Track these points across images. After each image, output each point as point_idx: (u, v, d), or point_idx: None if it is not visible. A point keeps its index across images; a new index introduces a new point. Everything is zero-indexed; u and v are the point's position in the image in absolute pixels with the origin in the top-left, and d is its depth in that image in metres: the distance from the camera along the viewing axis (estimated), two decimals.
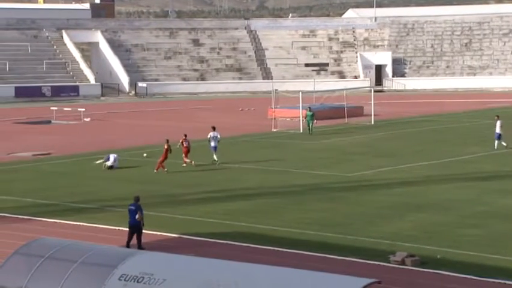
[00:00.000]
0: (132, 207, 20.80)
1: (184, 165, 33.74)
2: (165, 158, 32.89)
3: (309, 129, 45.48)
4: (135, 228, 20.59)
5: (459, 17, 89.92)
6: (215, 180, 30.90)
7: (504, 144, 38.30)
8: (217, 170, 33.30)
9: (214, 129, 35.56)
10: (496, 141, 38.52)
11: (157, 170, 32.75)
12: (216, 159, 34.68)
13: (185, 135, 34.49)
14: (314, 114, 46.25)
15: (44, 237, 16.71)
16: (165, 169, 32.66)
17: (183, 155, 33.95)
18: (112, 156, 34.01)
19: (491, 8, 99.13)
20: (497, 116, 39.91)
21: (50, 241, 15.41)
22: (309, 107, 47.66)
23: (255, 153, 38.48)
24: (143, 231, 20.86)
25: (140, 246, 20.19)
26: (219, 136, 35.24)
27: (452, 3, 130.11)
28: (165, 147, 33.07)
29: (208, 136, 35.33)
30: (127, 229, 22.20)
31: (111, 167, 33.65)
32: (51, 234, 20.89)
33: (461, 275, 18.38)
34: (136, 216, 20.49)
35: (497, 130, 38.68)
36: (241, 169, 33.45)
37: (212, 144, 35.02)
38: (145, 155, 36.93)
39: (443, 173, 31.92)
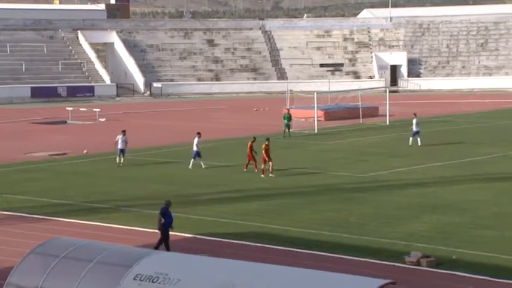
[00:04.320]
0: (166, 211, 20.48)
1: (263, 175, 31.39)
2: (252, 158, 32.13)
3: (284, 131, 44.16)
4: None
5: (475, 16, 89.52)
6: (230, 181, 30.93)
7: (419, 143, 39.31)
8: (232, 170, 33.30)
9: (124, 133, 34.94)
10: (411, 138, 39.73)
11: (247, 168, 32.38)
12: (121, 161, 34.39)
13: (267, 139, 32.32)
14: (291, 117, 45.05)
15: (60, 237, 16.79)
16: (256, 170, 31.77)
17: (264, 161, 31.54)
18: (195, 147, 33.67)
19: (507, 8, 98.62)
20: (415, 114, 40.84)
21: (66, 241, 15.48)
22: (288, 109, 47.27)
23: (270, 153, 38.42)
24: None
25: (157, 247, 20.15)
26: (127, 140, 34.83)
27: (468, 3, 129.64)
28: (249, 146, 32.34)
29: (117, 139, 34.81)
30: (141, 229, 22.35)
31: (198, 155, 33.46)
32: (67, 234, 20.99)
33: (476, 276, 18.29)
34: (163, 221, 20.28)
35: (414, 128, 39.76)
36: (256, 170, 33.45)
37: (120, 147, 34.48)
38: (85, 151, 37.82)
39: (459, 173, 31.78)
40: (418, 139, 39.74)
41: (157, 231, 20.99)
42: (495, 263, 19.23)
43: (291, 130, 45.02)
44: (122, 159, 34.56)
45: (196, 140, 33.97)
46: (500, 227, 22.72)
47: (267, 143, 31.91)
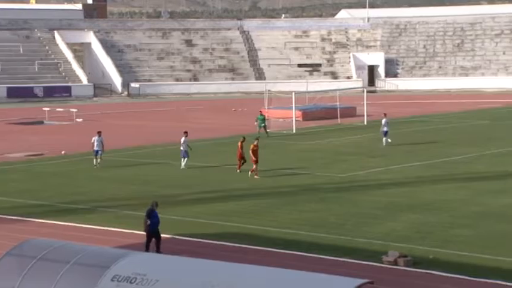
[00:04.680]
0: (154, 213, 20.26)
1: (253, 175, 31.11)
2: (241, 158, 31.76)
3: (258, 133, 43.59)
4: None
5: (451, 17, 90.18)
6: (208, 181, 30.87)
7: (389, 140, 39.94)
8: (210, 171, 33.25)
9: (99, 134, 34.32)
10: (384, 138, 40.22)
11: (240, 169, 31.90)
12: (98, 162, 33.85)
13: (257, 139, 32.16)
14: (265, 118, 44.96)
15: (36, 238, 16.66)
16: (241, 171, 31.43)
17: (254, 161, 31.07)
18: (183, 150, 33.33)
19: (483, 9, 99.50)
20: (385, 114, 41.54)
21: (42, 242, 15.35)
22: (260, 111, 47.15)
23: (248, 153, 38.43)
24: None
25: (158, 250, 19.97)
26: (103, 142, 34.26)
27: (445, 4, 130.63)
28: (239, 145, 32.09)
29: (92, 141, 34.19)
30: (119, 230, 22.26)
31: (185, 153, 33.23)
32: (43, 235, 20.83)
33: (453, 275, 18.41)
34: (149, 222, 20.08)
35: (384, 128, 40.33)
36: (234, 169, 33.41)
37: (95, 148, 33.92)
38: (63, 152, 37.32)
39: (436, 173, 31.98)
40: (388, 139, 40.12)
41: (135, 231, 20.92)
42: (471, 262, 19.37)
43: (268, 130, 44.94)
44: (99, 160, 34.28)
45: (182, 139, 33.81)
46: (476, 227, 22.90)
47: (255, 143, 31.47)
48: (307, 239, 21.69)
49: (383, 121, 40.61)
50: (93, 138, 34.54)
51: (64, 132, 49.61)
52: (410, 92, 79.05)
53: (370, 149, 39.27)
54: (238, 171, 32.03)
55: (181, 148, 33.66)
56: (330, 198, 27.29)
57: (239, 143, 32.67)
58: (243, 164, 32.11)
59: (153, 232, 20.12)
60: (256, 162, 31.13)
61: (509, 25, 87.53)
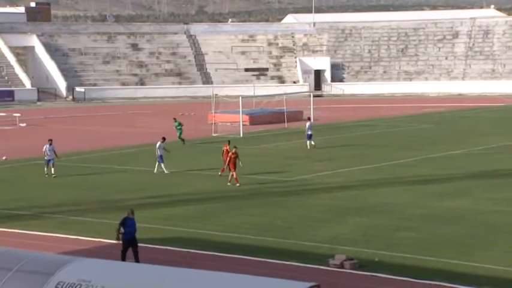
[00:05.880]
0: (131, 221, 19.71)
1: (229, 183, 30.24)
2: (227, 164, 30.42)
3: (180, 139, 43.46)
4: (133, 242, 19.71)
5: (395, 22, 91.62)
6: (155, 186, 30.67)
7: (313, 143, 40.90)
8: (156, 176, 33.03)
9: (50, 142, 33.19)
10: (308, 141, 41.05)
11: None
12: (52, 172, 32.58)
13: (235, 147, 31.11)
14: (180, 124, 44.29)
15: None
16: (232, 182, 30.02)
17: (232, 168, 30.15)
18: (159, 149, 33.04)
19: (426, 15, 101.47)
20: (309, 118, 42.81)
21: None
22: (174, 118, 46.42)
23: (196, 158, 38.37)
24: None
25: (124, 259, 19.60)
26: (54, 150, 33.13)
27: (389, 10, 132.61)
28: (224, 149, 31.51)
29: (44, 149, 33.04)
30: (64, 236, 21.96)
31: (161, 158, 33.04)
32: None
33: (398, 278, 18.65)
34: (124, 230, 19.57)
35: (308, 132, 41.14)
36: (181, 174, 33.28)
37: (47, 157, 32.76)
38: (4, 158, 36.84)
39: (381, 176, 32.38)
40: (312, 142, 40.87)
41: (80, 237, 20.60)
42: (416, 264, 19.65)
43: (181, 138, 43.71)
44: (52, 169, 32.86)
45: (158, 143, 33.43)
46: (420, 229, 23.24)
47: (234, 150, 30.67)
48: (254, 243, 21.71)
49: (307, 125, 41.40)
50: (45, 147, 33.32)
51: (7, 137, 48.71)
52: (356, 96, 79.98)
53: (317, 153, 39.56)
54: (220, 173, 31.67)
55: (158, 153, 33.30)
56: (277, 202, 27.38)
57: (226, 147, 32.06)
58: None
59: (128, 241, 19.70)
60: (234, 169, 30.28)
61: (451, 31, 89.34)
